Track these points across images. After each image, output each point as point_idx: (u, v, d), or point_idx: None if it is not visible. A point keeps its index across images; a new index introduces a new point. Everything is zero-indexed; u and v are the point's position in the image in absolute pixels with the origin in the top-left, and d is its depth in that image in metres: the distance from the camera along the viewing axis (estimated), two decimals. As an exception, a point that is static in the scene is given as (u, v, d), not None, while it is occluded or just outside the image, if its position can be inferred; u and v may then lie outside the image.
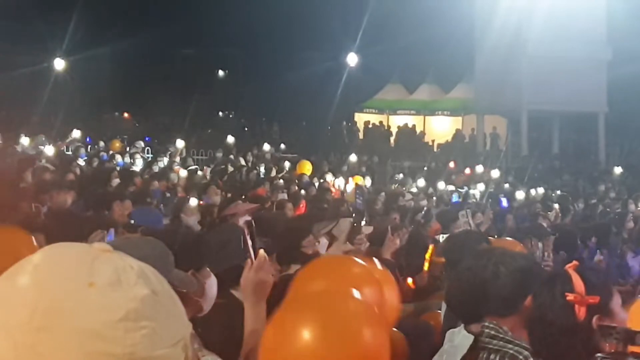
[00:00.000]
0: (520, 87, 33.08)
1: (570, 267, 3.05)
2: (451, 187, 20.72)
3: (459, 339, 3.64)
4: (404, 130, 38.69)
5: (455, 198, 18.72)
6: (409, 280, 6.93)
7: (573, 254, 9.20)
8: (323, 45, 43.11)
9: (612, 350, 2.55)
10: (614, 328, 2.59)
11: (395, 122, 41.08)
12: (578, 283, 2.92)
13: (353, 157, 25.68)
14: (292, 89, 45.08)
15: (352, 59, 41.38)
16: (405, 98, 42.73)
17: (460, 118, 40.47)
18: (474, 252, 4.14)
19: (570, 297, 2.87)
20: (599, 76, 33.49)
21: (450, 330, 3.87)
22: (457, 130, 38.55)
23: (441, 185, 20.64)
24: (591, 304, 2.86)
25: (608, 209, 18.25)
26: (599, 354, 2.59)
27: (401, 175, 22.77)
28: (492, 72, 33.65)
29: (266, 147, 24.49)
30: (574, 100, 32.33)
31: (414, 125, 39.38)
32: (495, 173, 25.63)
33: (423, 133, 39.15)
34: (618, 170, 27.82)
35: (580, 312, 2.87)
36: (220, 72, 59.27)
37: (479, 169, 26.07)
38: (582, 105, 33.25)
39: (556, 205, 17.75)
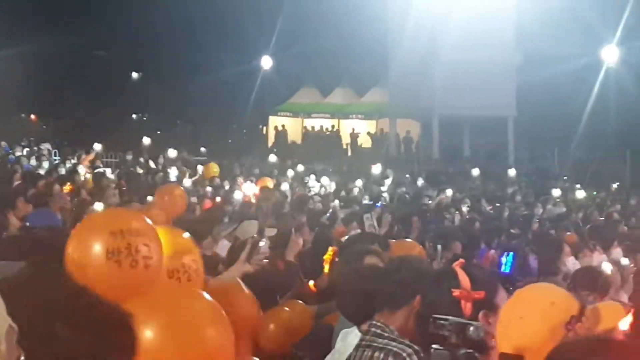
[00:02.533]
0: (433, 92, 33.52)
1: (457, 265, 3.05)
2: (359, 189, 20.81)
3: (350, 338, 3.67)
4: (317, 133, 38.83)
5: (366, 200, 18.80)
6: (311, 282, 6.88)
7: (476, 254, 9.27)
8: (238, 48, 42.90)
9: (446, 342, 2.59)
10: (447, 320, 2.62)
11: (310, 125, 41.22)
12: (464, 279, 2.93)
13: (271, 159, 25.64)
14: (206, 92, 44.71)
15: (266, 62, 41.32)
16: (319, 101, 42.88)
17: (374, 122, 40.75)
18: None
19: (456, 292, 2.88)
20: (509, 81, 34.17)
21: (344, 330, 3.87)
22: (371, 134, 38.88)
23: (353, 187, 20.73)
24: (477, 299, 2.88)
25: (521, 210, 18.68)
26: (434, 345, 2.62)
27: (312, 177, 22.77)
28: (406, 76, 33.98)
29: (172, 152, 24.08)
30: (484, 105, 32.89)
31: (327, 129, 39.56)
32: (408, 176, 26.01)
33: (337, 136, 39.36)
34: (512, 172, 28.36)
35: (467, 307, 2.88)
36: (134, 74, 58.36)
37: (390, 172, 26.30)
38: (492, 110, 33.86)
39: (464, 208, 18.07)
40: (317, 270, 7.92)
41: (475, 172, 28.49)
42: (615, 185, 28.18)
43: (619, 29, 35.51)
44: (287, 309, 5.81)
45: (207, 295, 3.20)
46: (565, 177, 30.82)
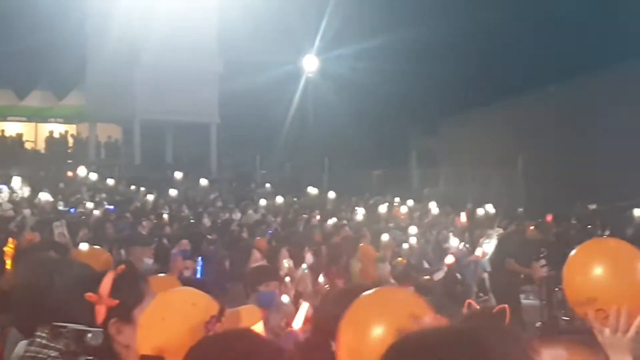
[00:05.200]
0: (134, 96, 32.93)
1: (116, 271, 2.96)
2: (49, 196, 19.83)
3: (18, 348, 3.55)
4: (12, 138, 36.75)
5: (61, 206, 18.16)
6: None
7: (166, 261, 8.98)
8: None
9: (65, 350, 2.60)
10: (65, 327, 2.60)
11: (5, 129, 38.83)
12: (105, 285, 2.86)
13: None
14: None
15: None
16: (15, 104, 40.57)
17: (74, 126, 39.33)
18: (30, 263, 4.15)
19: (90, 296, 2.83)
20: (211, 87, 34.40)
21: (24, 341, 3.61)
22: (70, 138, 37.46)
23: (44, 195, 19.64)
24: (109, 306, 2.83)
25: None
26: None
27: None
28: (105, 80, 33.12)
29: None
30: (187, 111, 32.87)
31: (21, 133, 37.55)
32: (110, 181, 25.47)
33: (30, 141, 37.54)
34: (179, 175, 28.58)
35: (100, 312, 2.82)
36: None
37: (91, 176, 25.63)
38: (195, 116, 33.92)
39: (165, 216, 17.77)
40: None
41: (178, 176, 28.33)
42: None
43: (318, 40, 37.05)
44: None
45: None
46: (267, 184, 31.49)
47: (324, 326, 2.97)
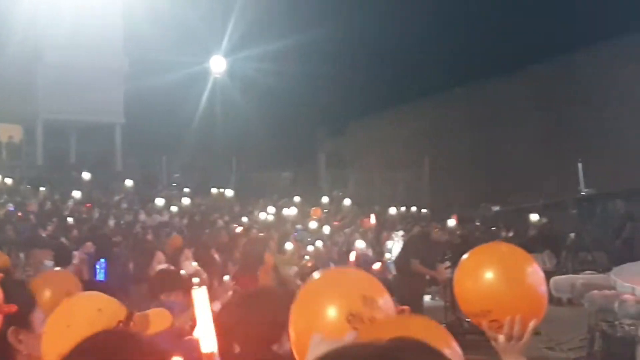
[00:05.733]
0: (36, 95, 32.09)
1: None
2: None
3: None
4: None
5: None
6: None
7: (67, 264, 8.74)
8: None
9: None
10: None
11: None
12: None
13: None
14: None
15: None
16: None
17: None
18: None
19: None
20: (116, 87, 33.79)
21: None
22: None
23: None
24: (7, 312, 2.73)
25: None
26: None
27: None
28: (7, 78, 32.10)
29: None
30: (92, 110, 32.22)
31: None
32: (8, 181, 24.87)
33: None
34: (87, 175, 28.14)
35: None
36: None
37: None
38: (100, 116, 33.26)
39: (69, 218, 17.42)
40: None
41: (86, 176, 27.79)
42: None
43: (225, 41, 36.84)
44: None
45: None
46: (174, 184, 31.13)
47: (228, 329, 2.92)
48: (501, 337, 2.57)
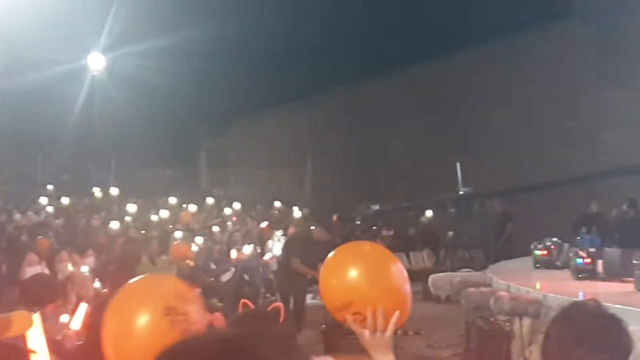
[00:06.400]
0: None
1: None
2: None
3: None
4: None
5: None
6: None
7: None
8: None
9: None
10: None
11: None
12: None
13: None
14: None
15: None
16: None
17: None
18: None
19: None
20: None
21: None
22: None
23: None
24: None
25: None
26: None
27: None
28: None
29: None
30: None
31: None
32: None
33: None
34: None
35: None
36: None
37: None
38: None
39: None
40: None
41: None
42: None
43: (104, 38, 36.04)
44: None
45: None
46: (49, 185, 30.31)
47: (99, 330, 2.86)
48: (366, 332, 2.59)
